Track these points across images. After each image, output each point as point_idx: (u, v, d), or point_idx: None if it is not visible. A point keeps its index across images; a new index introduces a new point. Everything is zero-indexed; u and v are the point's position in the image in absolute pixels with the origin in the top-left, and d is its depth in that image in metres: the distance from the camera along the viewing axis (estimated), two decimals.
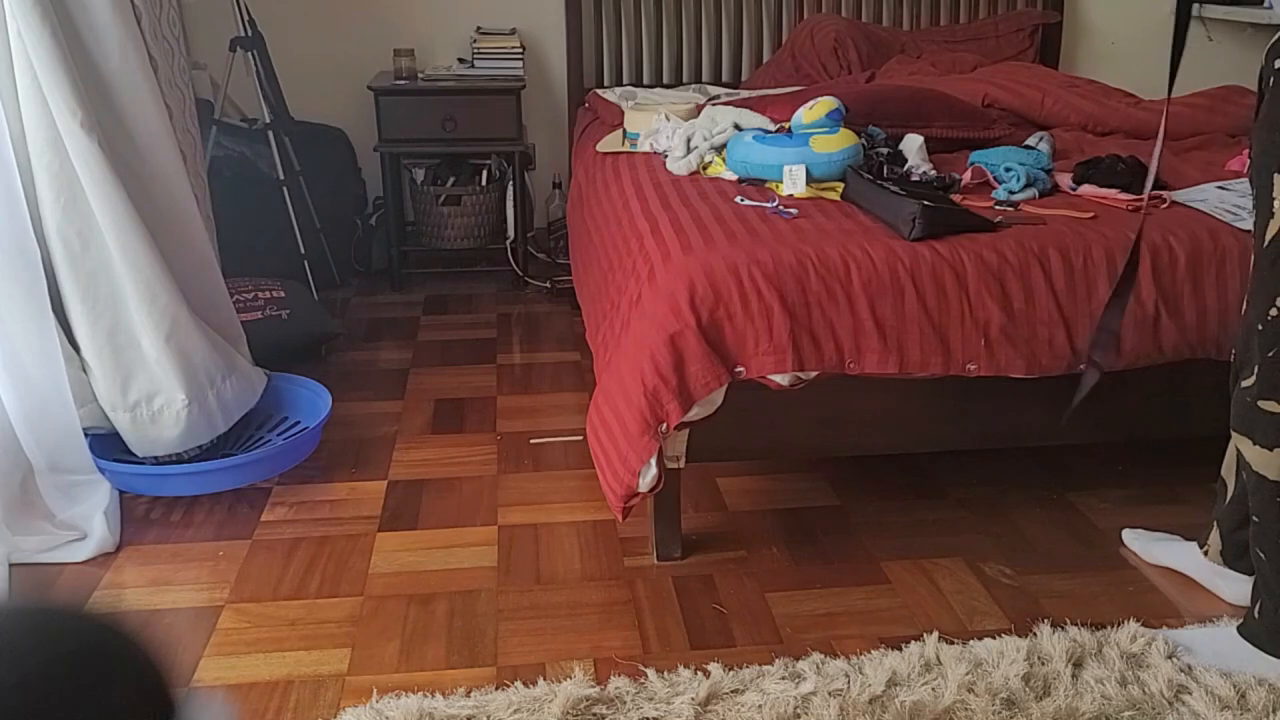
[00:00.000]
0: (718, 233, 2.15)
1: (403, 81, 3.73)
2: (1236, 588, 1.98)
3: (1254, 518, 1.80)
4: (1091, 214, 2.27)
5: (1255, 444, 1.76)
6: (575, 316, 3.42)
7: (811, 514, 2.34)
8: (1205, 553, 2.03)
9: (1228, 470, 1.95)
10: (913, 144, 2.70)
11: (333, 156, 3.90)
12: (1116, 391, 2.17)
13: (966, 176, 2.52)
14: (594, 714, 1.70)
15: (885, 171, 2.51)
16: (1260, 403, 1.75)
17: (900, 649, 1.85)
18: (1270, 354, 1.73)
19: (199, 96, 3.13)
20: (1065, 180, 2.51)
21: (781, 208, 2.32)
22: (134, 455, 2.38)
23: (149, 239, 2.24)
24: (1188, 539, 2.10)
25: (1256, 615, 1.82)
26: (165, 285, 2.28)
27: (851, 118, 2.68)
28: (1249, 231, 1.87)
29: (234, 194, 3.37)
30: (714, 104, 3.28)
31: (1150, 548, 2.16)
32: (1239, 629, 1.86)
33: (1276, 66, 1.70)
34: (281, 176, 3.49)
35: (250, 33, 3.44)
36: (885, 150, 2.62)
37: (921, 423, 2.19)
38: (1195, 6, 4.08)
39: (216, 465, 2.39)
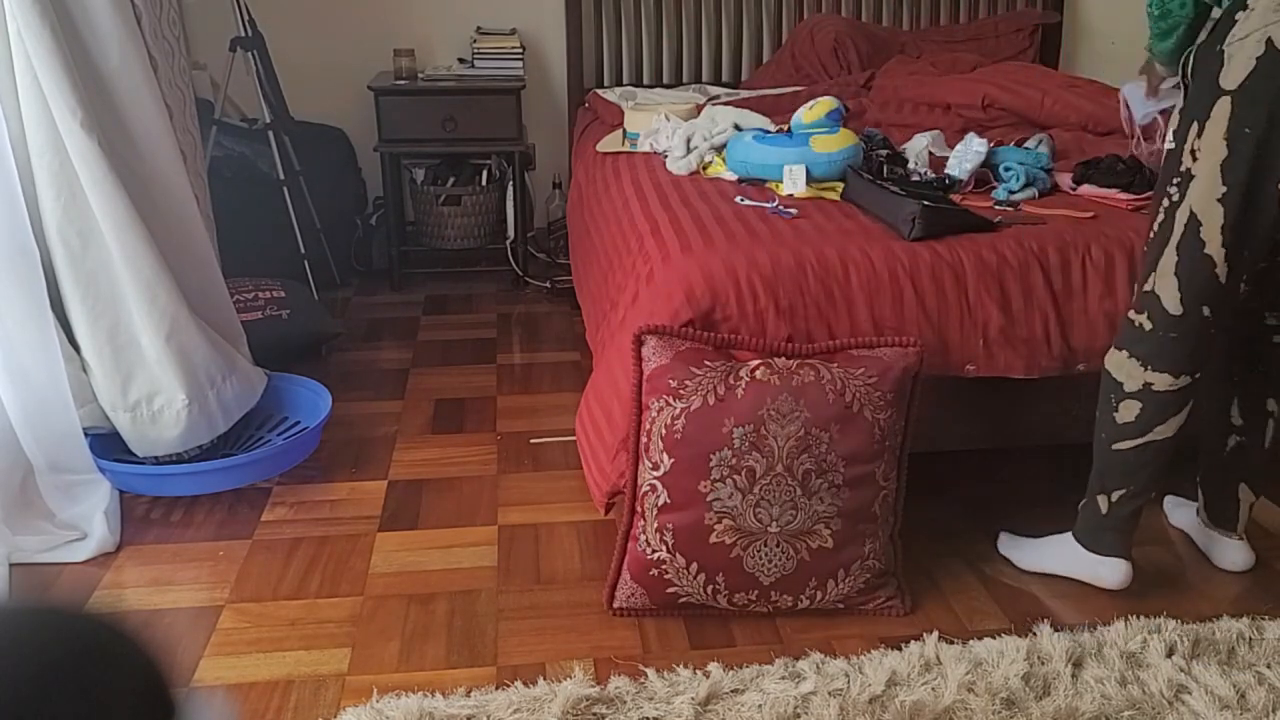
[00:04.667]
0: (717, 233, 2.15)
1: (403, 81, 3.73)
2: (1228, 554, 2.12)
3: (1097, 410, 2.00)
4: (1091, 214, 2.28)
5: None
6: (575, 316, 3.42)
7: None
8: (1198, 513, 2.19)
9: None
10: (918, 144, 2.70)
11: (333, 156, 3.90)
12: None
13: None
14: (594, 714, 1.70)
15: (885, 171, 2.51)
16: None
17: (900, 649, 1.85)
18: (1145, 269, 1.90)
19: (199, 96, 3.13)
20: (1065, 180, 2.52)
21: (781, 208, 2.32)
22: (134, 455, 2.38)
23: (149, 239, 2.24)
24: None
25: (1080, 508, 2.05)
26: (165, 285, 2.28)
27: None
28: None
29: (234, 194, 3.37)
30: (714, 104, 3.28)
31: (1175, 511, 2.29)
32: (1073, 531, 2.06)
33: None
34: (281, 176, 3.49)
35: (250, 33, 3.44)
36: (884, 151, 2.62)
37: (921, 423, 2.19)
38: None
39: (216, 465, 2.39)
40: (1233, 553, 2.12)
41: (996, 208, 2.34)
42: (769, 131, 2.67)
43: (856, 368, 1.88)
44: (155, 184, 2.35)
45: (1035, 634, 1.88)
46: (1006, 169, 2.46)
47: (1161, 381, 1.88)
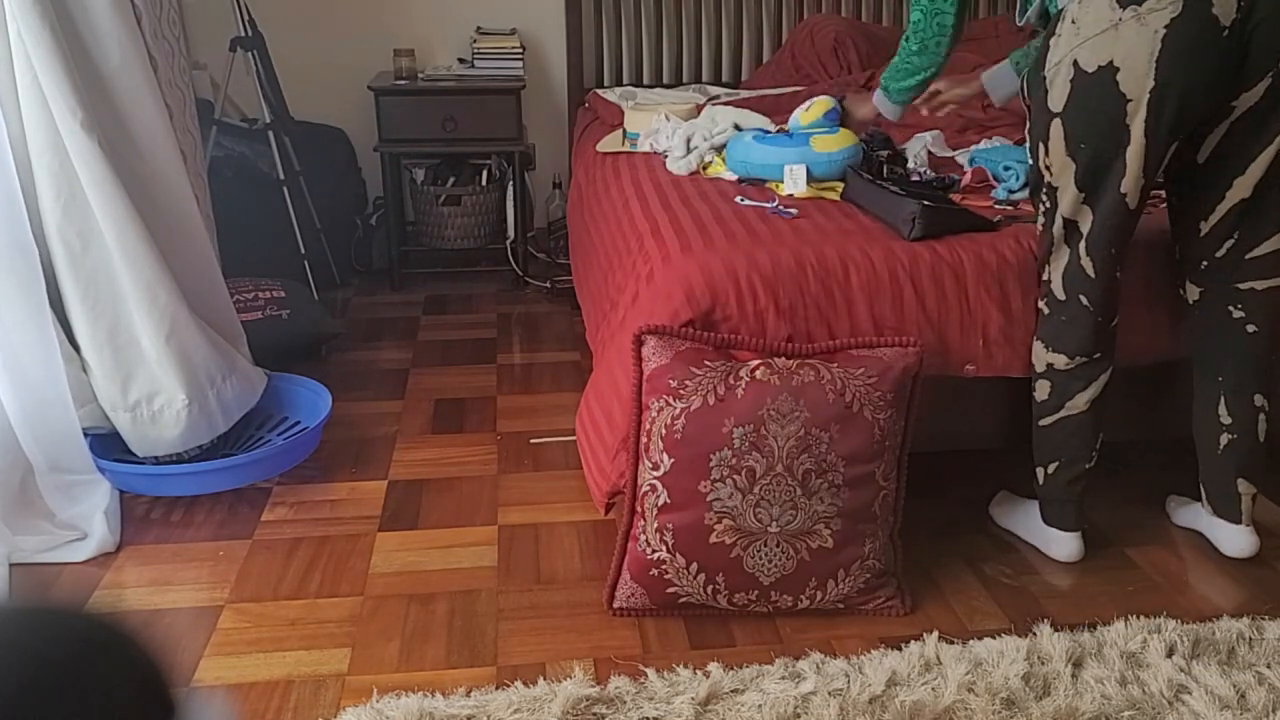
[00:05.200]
0: (717, 233, 2.15)
1: (403, 81, 3.73)
2: (1234, 540, 2.15)
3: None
4: None
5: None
6: (575, 316, 3.42)
7: None
8: (1203, 506, 2.21)
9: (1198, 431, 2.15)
10: (918, 144, 2.70)
11: (333, 156, 3.90)
12: (1115, 392, 2.17)
13: (966, 177, 2.52)
14: (594, 714, 1.70)
15: (885, 171, 2.51)
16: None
17: (900, 649, 1.85)
18: (1041, 260, 2.06)
19: (199, 96, 3.13)
20: None
21: (781, 208, 2.32)
22: (134, 455, 2.38)
23: (149, 239, 2.25)
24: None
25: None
26: (165, 285, 2.28)
27: None
28: None
29: (234, 194, 3.37)
30: (714, 104, 3.28)
31: (1177, 511, 2.32)
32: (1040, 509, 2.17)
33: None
34: (281, 176, 3.49)
35: (250, 33, 3.44)
36: (885, 151, 2.62)
37: (921, 423, 2.19)
38: None
39: (216, 465, 2.39)
40: (1239, 538, 2.15)
41: (996, 207, 2.34)
42: (769, 131, 2.67)
43: (856, 368, 1.88)
44: (155, 184, 2.35)
45: (1035, 634, 1.88)
46: (1006, 169, 2.46)
47: (1059, 361, 2.04)
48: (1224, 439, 2.10)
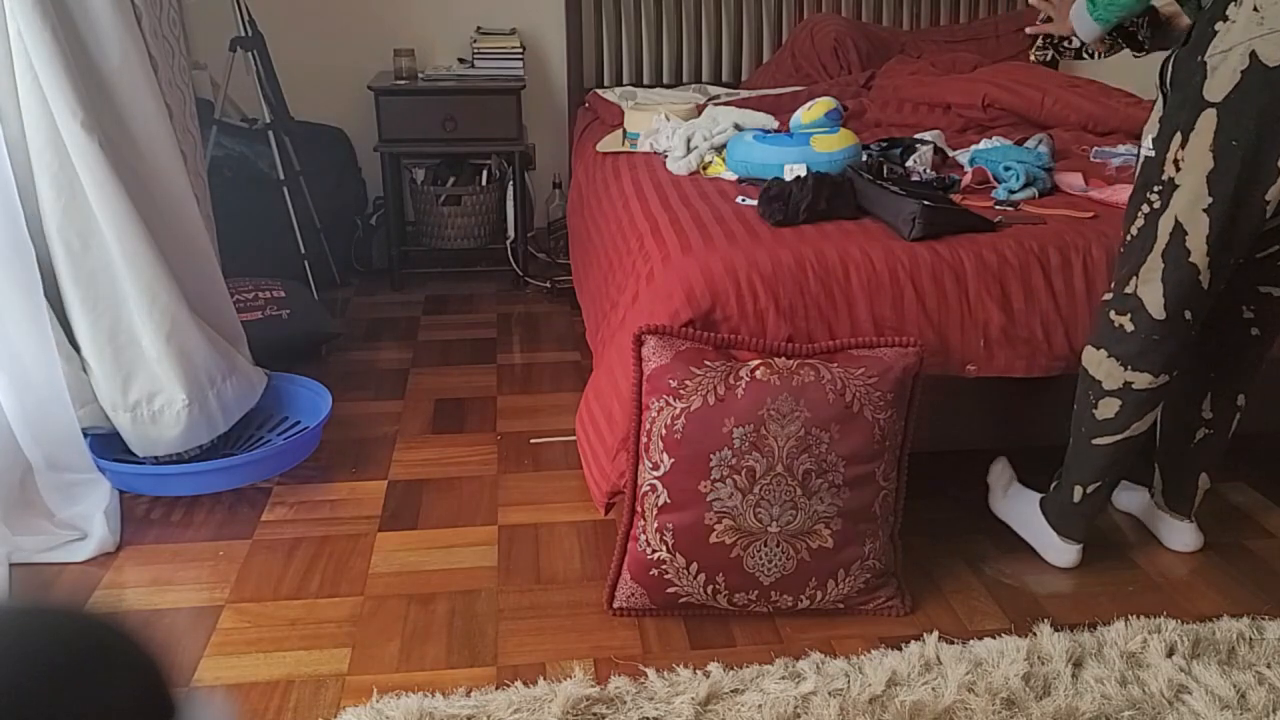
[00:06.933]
0: (717, 233, 2.15)
1: (403, 81, 3.73)
2: (1179, 536, 2.18)
3: (1075, 405, 2.04)
4: (1092, 214, 2.28)
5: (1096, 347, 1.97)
6: (575, 316, 3.42)
7: None
8: (1151, 496, 2.23)
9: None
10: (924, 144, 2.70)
11: (333, 156, 3.90)
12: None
13: (966, 177, 2.52)
14: (594, 714, 1.70)
15: (885, 171, 2.51)
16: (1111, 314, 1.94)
17: (900, 649, 1.85)
18: (1122, 271, 1.92)
19: (199, 96, 3.12)
20: (1066, 180, 2.51)
21: None
22: (134, 455, 2.38)
23: (149, 239, 2.24)
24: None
25: (1052, 489, 2.13)
26: (165, 285, 2.28)
27: None
28: None
29: (234, 194, 3.37)
30: (714, 104, 3.28)
31: (1120, 495, 2.32)
32: (1041, 500, 2.13)
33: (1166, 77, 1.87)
34: (281, 176, 3.49)
35: (250, 33, 3.44)
36: (896, 150, 2.62)
37: (922, 423, 2.19)
38: None
39: (216, 465, 2.39)
40: (1184, 535, 2.18)
41: (996, 208, 2.34)
42: (769, 131, 2.67)
43: (857, 368, 1.88)
44: (155, 184, 2.35)
45: (1035, 634, 1.88)
46: (1006, 169, 2.46)
47: (1141, 380, 1.92)
48: (1200, 433, 2.11)
